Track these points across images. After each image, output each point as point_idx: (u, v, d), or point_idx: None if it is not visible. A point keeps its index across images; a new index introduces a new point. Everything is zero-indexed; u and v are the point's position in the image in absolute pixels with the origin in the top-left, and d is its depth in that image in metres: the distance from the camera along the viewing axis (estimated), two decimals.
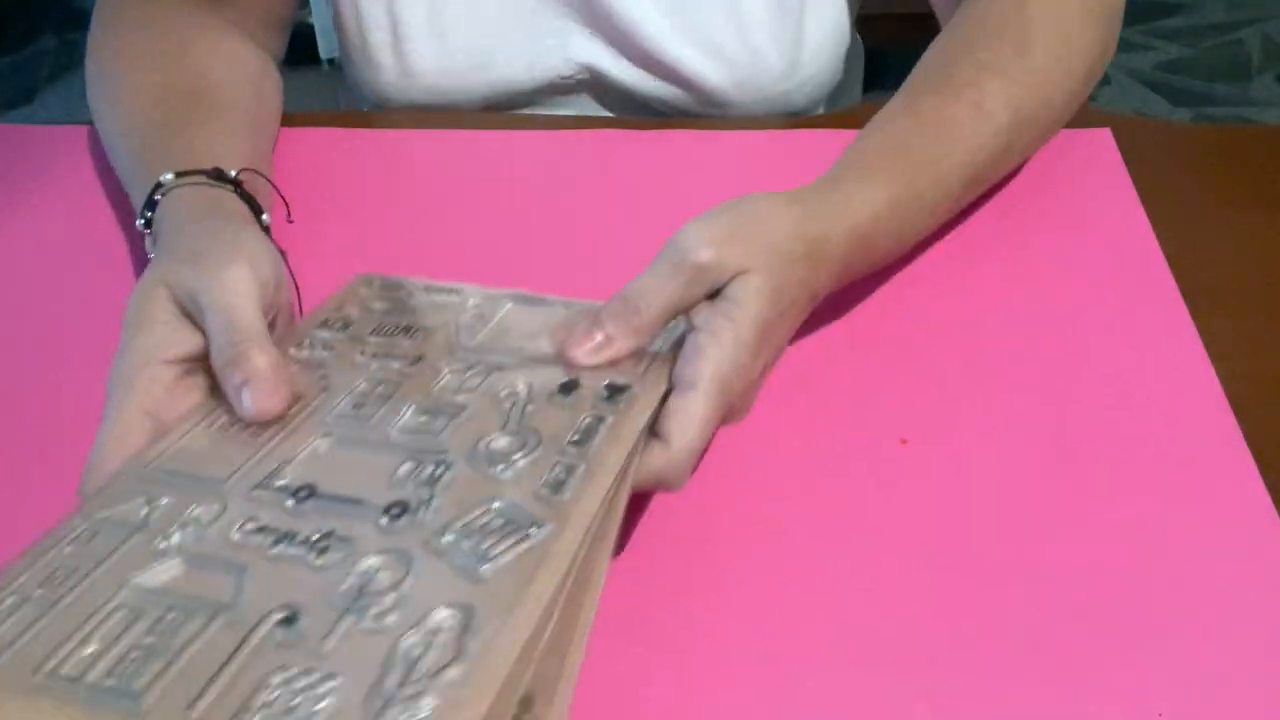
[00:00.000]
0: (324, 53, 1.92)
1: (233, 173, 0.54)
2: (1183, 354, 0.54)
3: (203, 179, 0.53)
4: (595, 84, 0.75)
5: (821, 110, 0.79)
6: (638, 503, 0.48)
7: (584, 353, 0.43)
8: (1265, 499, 0.47)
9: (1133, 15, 2.06)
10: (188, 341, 0.42)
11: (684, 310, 0.44)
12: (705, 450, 0.44)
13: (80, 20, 2.29)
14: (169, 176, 0.53)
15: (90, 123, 0.72)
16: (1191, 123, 1.87)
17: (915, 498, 0.48)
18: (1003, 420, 0.51)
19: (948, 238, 0.60)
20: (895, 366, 0.53)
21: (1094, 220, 0.61)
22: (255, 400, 0.40)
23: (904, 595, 0.44)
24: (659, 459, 0.41)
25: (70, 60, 2.19)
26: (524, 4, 0.72)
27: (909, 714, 0.41)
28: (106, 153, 0.64)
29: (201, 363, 0.43)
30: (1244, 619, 0.43)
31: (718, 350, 0.42)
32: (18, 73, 2.16)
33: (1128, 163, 0.65)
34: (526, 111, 0.76)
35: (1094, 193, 0.63)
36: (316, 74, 1.88)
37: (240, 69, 0.66)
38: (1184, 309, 0.56)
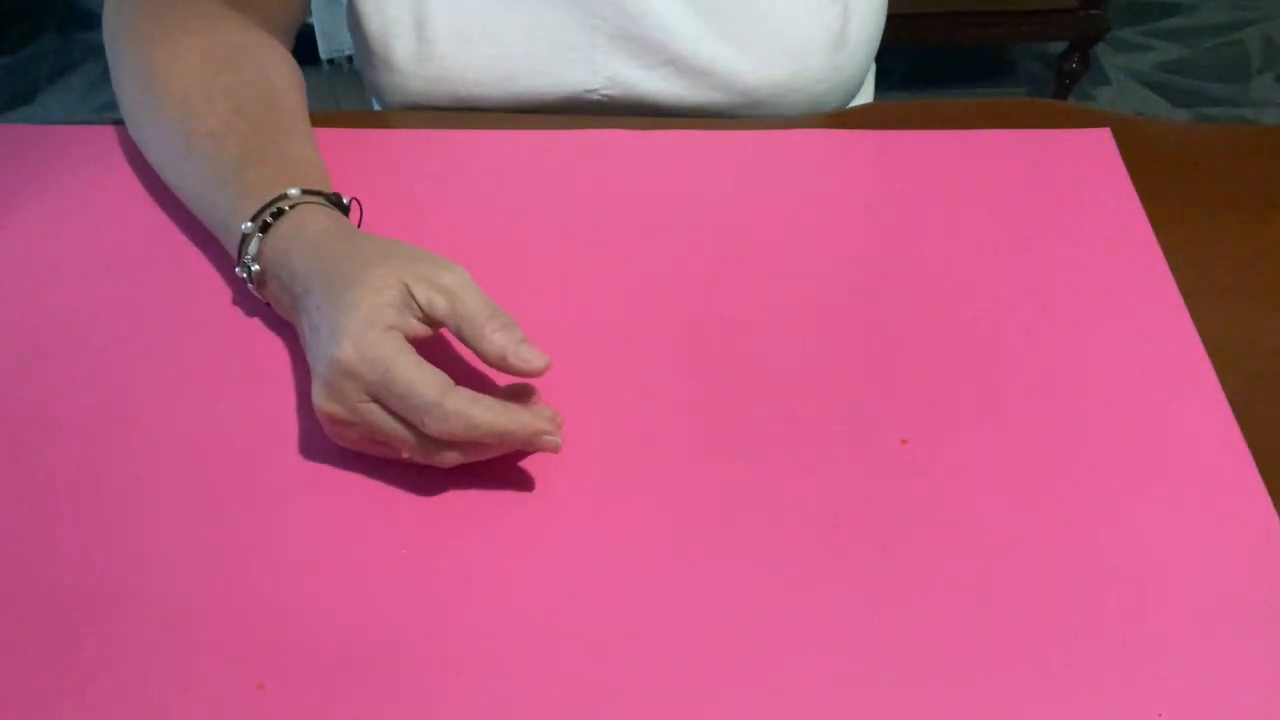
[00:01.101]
0: (323, 53, 1.92)
1: (345, 200, 0.58)
2: (1183, 354, 0.54)
3: (323, 200, 0.56)
4: (622, 97, 0.74)
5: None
6: (626, 507, 0.48)
7: None
8: (1265, 499, 0.47)
9: (1133, 15, 2.07)
10: (418, 328, 0.49)
11: None
12: None
13: (82, 20, 2.28)
14: (295, 191, 0.55)
15: (90, 123, 0.72)
16: (1191, 123, 1.87)
17: (915, 498, 0.48)
18: (1002, 420, 0.51)
19: (948, 238, 0.60)
20: (895, 366, 0.53)
21: (1094, 220, 0.61)
22: (532, 353, 0.47)
23: (904, 594, 0.44)
24: None
25: (71, 60, 2.19)
26: (552, 14, 0.71)
27: (910, 713, 0.41)
28: (151, 140, 0.63)
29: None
30: (1244, 619, 0.43)
31: None
32: (18, 73, 2.16)
33: (1128, 163, 0.65)
34: None
35: (1094, 193, 0.63)
36: (316, 74, 1.88)
37: (290, 72, 0.66)
38: (1184, 309, 0.56)
